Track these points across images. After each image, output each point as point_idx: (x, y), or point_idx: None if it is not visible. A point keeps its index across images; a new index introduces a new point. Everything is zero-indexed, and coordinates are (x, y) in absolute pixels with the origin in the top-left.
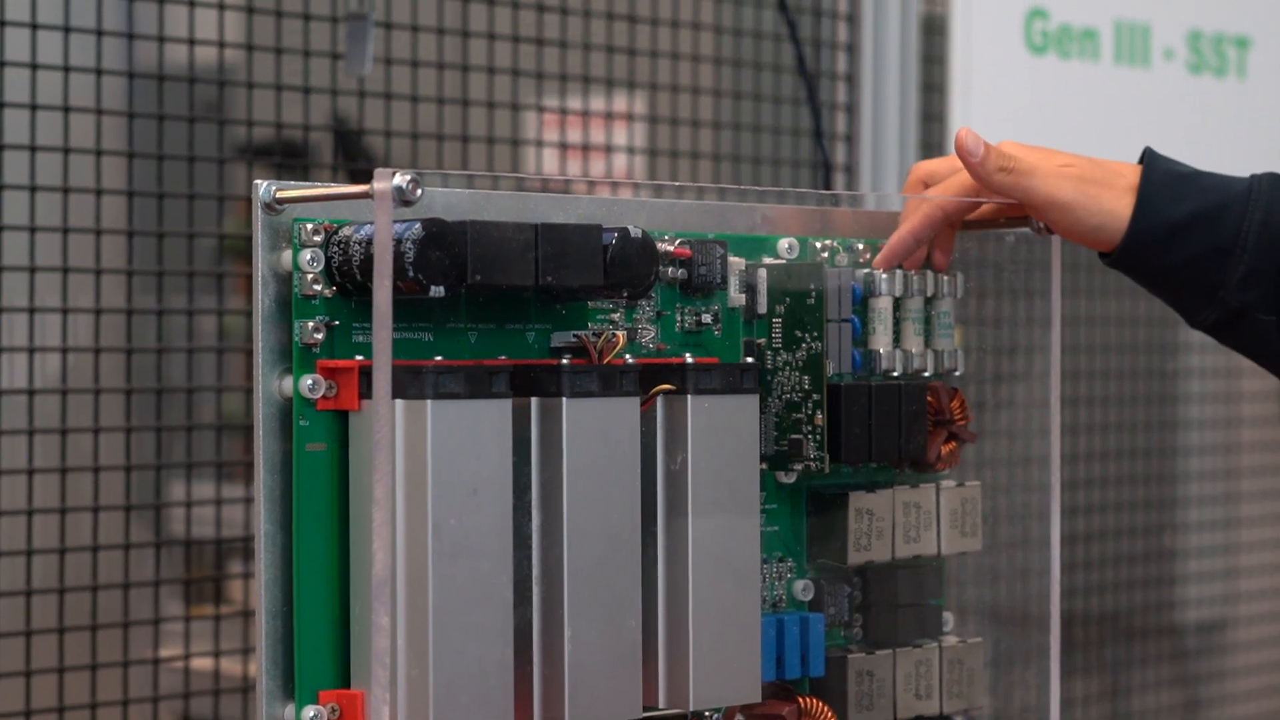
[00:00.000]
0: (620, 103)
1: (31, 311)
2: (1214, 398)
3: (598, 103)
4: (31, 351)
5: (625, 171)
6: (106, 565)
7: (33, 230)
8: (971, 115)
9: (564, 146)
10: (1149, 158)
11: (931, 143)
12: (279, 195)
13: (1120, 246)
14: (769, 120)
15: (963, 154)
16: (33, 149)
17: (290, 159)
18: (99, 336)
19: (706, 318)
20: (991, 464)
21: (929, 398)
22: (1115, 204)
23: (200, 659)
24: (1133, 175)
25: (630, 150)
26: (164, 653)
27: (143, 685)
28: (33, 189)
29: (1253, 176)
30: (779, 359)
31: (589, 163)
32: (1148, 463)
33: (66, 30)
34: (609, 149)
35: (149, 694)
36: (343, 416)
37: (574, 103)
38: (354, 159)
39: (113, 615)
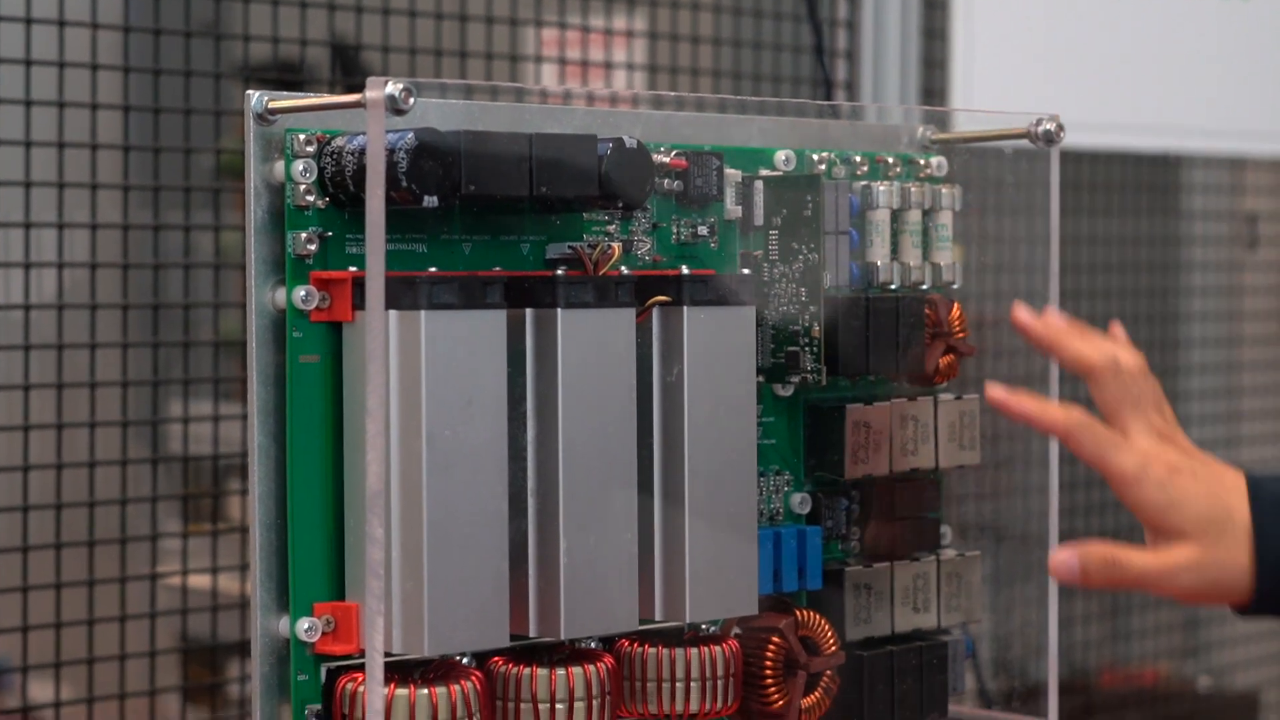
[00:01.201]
0: (620, 20)
1: (27, 227)
2: (1215, 317)
3: (597, 19)
4: (27, 267)
5: (625, 89)
6: (104, 482)
7: (28, 145)
8: (975, 32)
9: (563, 63)
10: (1253, 485)
11: (933, 60)
12: (271, 105)
13: (1255, 596)
14: (770, 37)
15: (1062, 579)
16: (28, 63)
17: (288, 74)
18: (95, 252)
19: (703, 230)
20: (993, 381)
21: (927, 310)
22: (1237, 554)
23: (198, 576)
24: (1241, 505)
25: (630, 67)
26: (161, 570)
27: (140, 602)
28: (28, 104)
29: None
30: (776, 271)
31: (589, 80)
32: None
33: None
34: (608, 65)
35: (146, 610)
36: (336, 328)
37: (573, 19)
38: (352, 75)
39: (110, 532)
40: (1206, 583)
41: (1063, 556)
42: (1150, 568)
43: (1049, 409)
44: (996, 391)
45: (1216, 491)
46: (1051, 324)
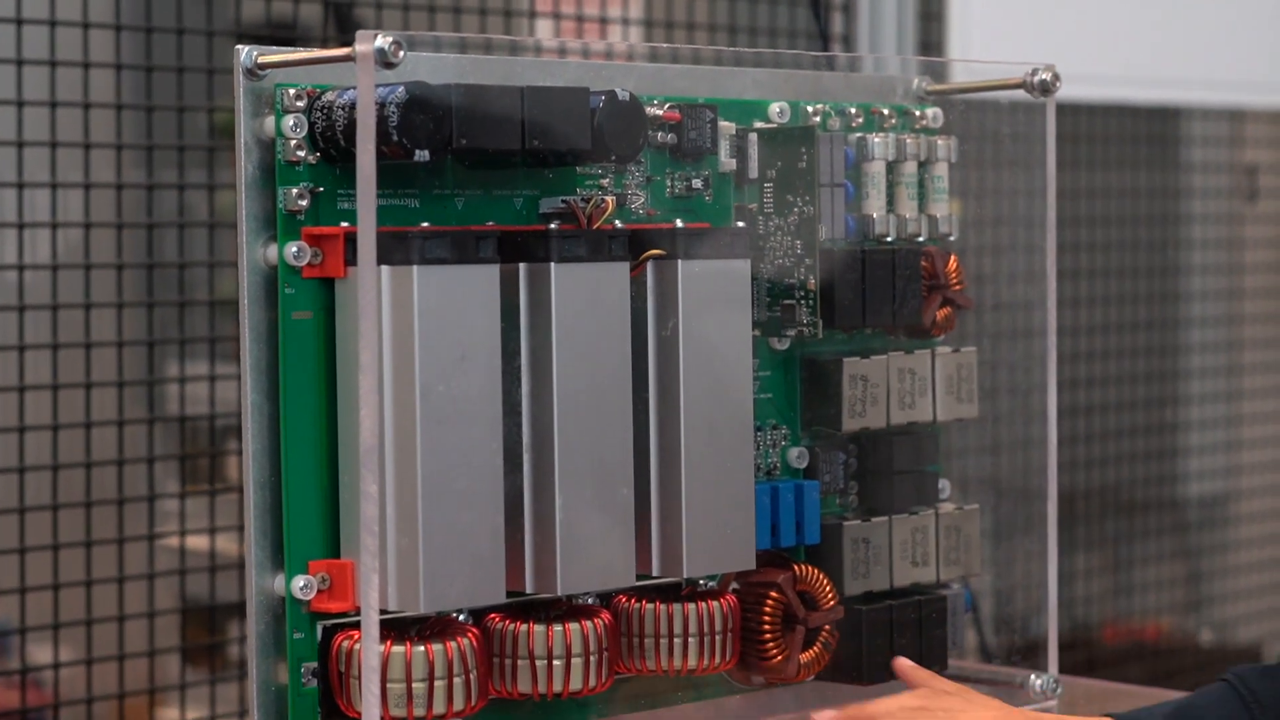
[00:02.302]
0: None
1: (20, 187)
2: (1216, 269)
3: None
4: (21, 227)
5: (622, 48)
6: (100, 442)
7: (20, 105)
8: None
9: (558, 17)
10: None
11: (930, 13)
12: (260, 60)
13: None
14: None
15: None
16: (19, 22)
17: (281, 32)
18: (89, 212)
19: (697, 183)
20: (992, 336)
21: (923, 262)
22: None
23: (196, 537)
24: None
25: (625, 21)
26: (159, 530)
27: (138, 563)
28: (19, 63)
29: (1226, 683)
30: (771, 224)
31: (584, 35)
32: (1149, 335)
33: None
34: (604, 20)
35: (144, 571)
36: (328, 284)
37: None
38: (346, 32)
39: (107, 493)
40: None
41: None
42: None
43: (880, 713)
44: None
45: None
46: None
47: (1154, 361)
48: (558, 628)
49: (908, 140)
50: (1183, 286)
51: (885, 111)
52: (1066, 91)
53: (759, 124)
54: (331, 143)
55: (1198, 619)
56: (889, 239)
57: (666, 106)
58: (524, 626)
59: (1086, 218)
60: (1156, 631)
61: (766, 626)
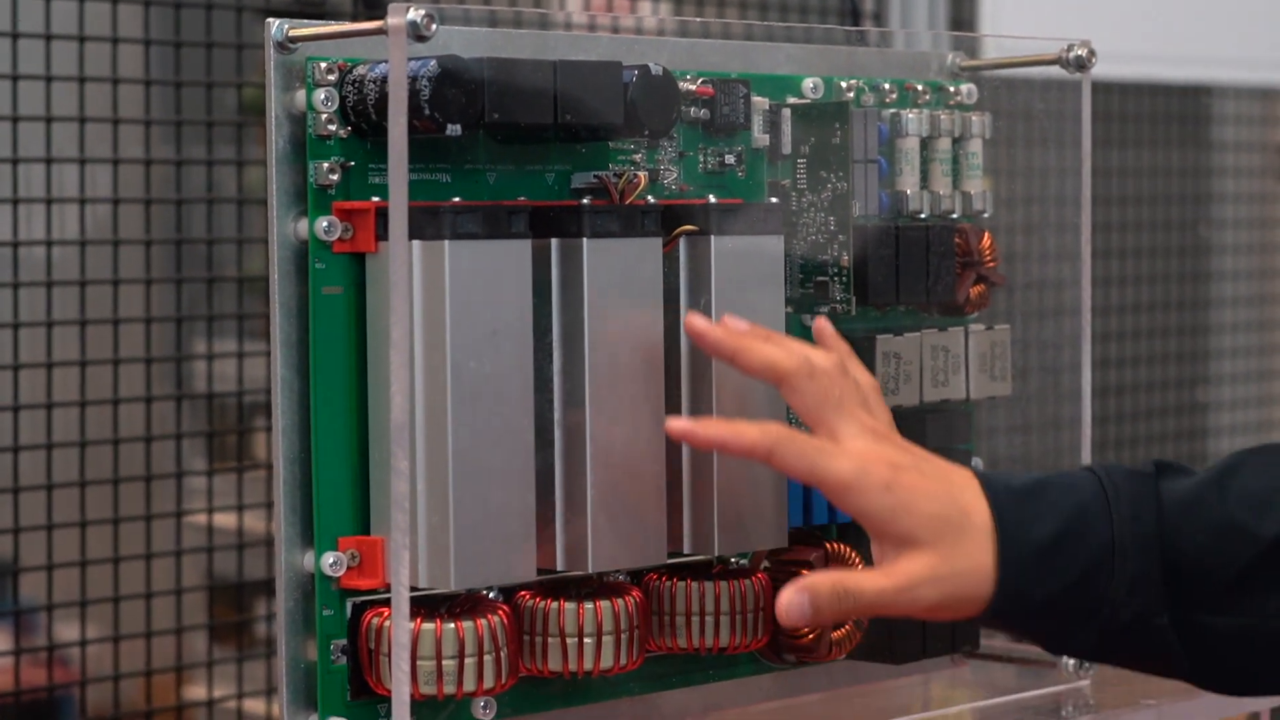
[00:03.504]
0: None
1: (49, 162)
2: (1247, 249)
3: None
4: (49, 202)
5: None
6: (127, 419)
7: (49, 79)
8: None
9: None
10: (985, 481)
11: None
12: (292, 33)
13: (995, 595)
14: None
15: (794, 622)
16: None
17: (310, 7)
18: (117, 187)
19: (730, 158)
20: (1023, 315)
21: (957, 239)
22: (978, 558)
23: (223, 514)
24: (977, 502)
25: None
26: (187, 508)
27: (166, 540)
28: (48, 37)
29: (1095, 471)
30: (804, 200)
31: (615, 10)
32: (1180, 315)
33: None
34: None
35: (172, 549)
36: (359, 259)
37: None
38: (374, 8)
39: (134, 470)
40: (948, 595)
41: (789, 598)
42: (885, 589)
43: (741, 428)
44: (678, 424)
45: (948, 490)
46: (731, 328)
47: (1185, 341)
48: (588, 605)
49: (942, 116)
50: (1214, 266)
51: (919, 87)
52: (1097, 69)
53: (792, 99)
54: (363, 117)
55: None
56: (923, 215)
57: (700, 81)
58: (554, 604)
59: (1118, 197)
60: None
61: None
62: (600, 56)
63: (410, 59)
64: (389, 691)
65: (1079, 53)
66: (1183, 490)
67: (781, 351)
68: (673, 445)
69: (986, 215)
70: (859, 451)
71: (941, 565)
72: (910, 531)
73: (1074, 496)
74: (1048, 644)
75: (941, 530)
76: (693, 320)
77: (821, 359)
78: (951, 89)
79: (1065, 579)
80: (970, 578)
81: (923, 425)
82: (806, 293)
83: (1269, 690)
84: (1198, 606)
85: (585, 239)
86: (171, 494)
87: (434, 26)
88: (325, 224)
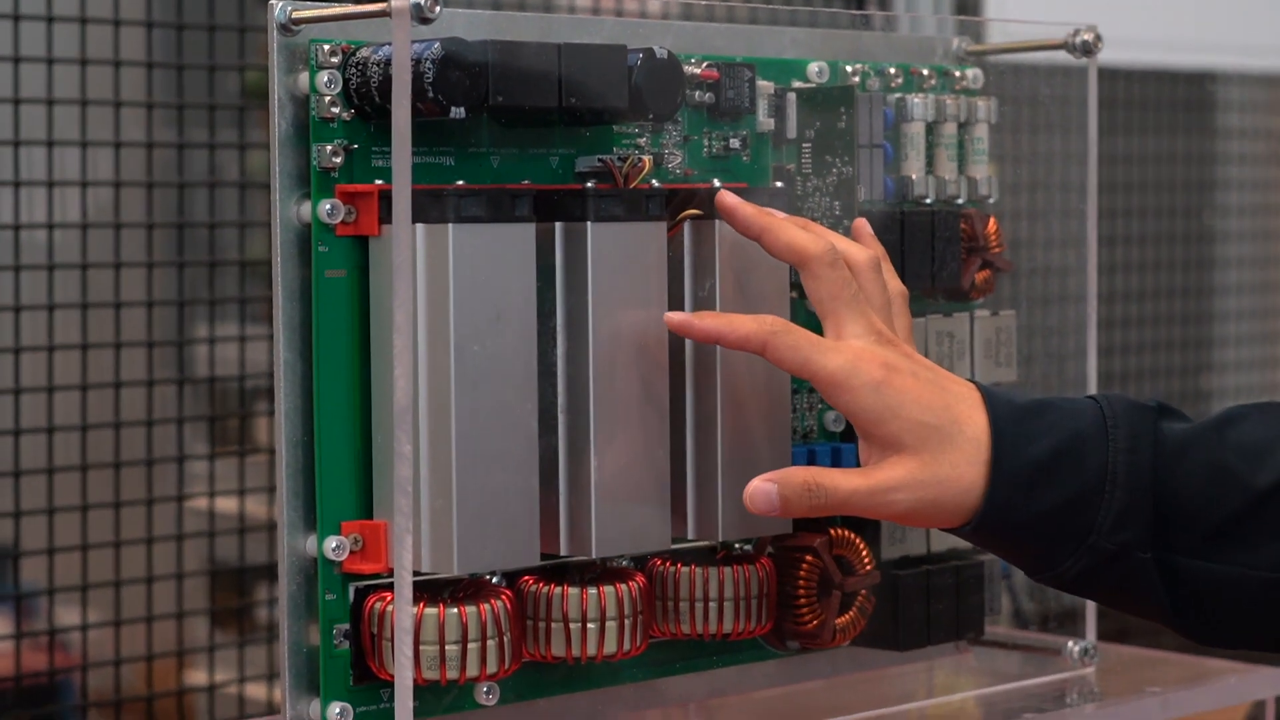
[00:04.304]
0: None
1: (50, 145)
2: (1251, 236)
3: None
4: (50, 185)
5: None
6: (129, 403)
7: (50, 62)
8: None
9: None
10: (987, 395)
11: None
12: (294, 15)
13: (983, 509)
14: None
15: (761, 511)
16: None
17: None
18: (119, 170)
19: (735, 142)
20: (1028, 301)
21: (962, 225)
22: (964, 470)
23: (225, 499)
24: (974, 414)
25: None
26: (188, 492)
27: (167, 525)
28: (49, 19)
29: (1097, 399)
30: (809, 185)
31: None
32: (1185, 302)
33: None
34: None
35: (173, 533)
36: (362, 242)
37: None
38: None
39: (136, 454)
40: (925, 502)
41: (757, 486)
42: (859, 489)
43: (738, 320)
44: (675, 316)
45: (942, 399)
46: (765, 209)
47: (1189, 329)
48: (592, 591)
49: (947, 101)
50: (1218, 253)
51: (925, 72)
52: (1102, 56)
53: (797, 83)
54: (366, 99)
55: None
56: (928, 201)
57: (705, 65)
58: (558, 589)
59: (1123, 183)
60: None
61: (802, 591)
62: (605, 39)
63: (414, 41)
64: (392, 676)
65: (1085, 38)
66: (1181, 431)
67: (808, 236)
68: (677, 430)
69: (992, 201)
70: (855, 349)
71: (922, 472)
72: (896, 435)
73: (1074, 421)
74: (1029, 565)
75: (928, 437)
76: (724, 196)
77: (853, 251)
78: (957, 74)
79: (1055, 500)
80: (952, 487)
81: None
82: None
83: (1244, 642)
84: (1182, 548)
85: (589, 223)
86: (173, 478)
87: (438, 9)
88: (328, 207)
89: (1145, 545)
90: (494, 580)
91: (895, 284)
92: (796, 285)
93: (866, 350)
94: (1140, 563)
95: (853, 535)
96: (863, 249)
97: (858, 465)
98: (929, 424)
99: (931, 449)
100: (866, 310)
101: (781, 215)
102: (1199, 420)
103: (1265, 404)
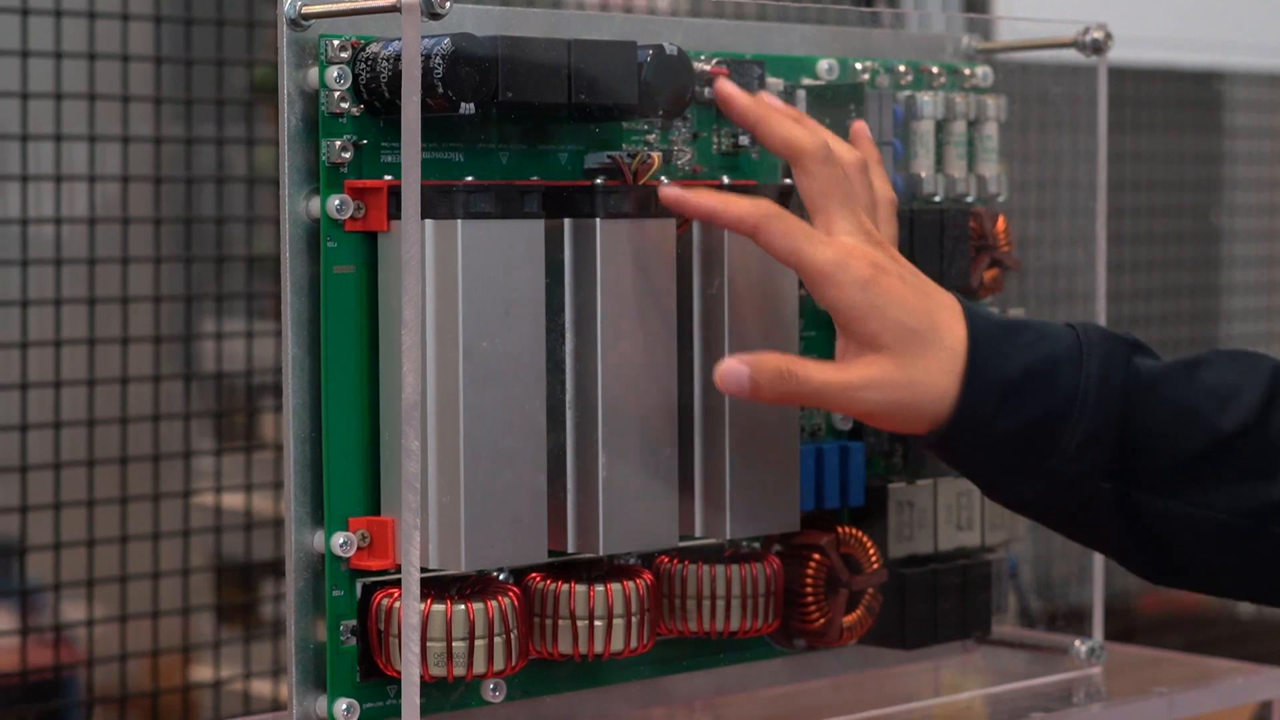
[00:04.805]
0: None
1: (58, 139)
2: (1259, 235)
3: None
4: (58, 180)
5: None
6: (136, 399)
7: (58, 56)
8: None
9: None
10: (968, 308)
11: None
12: (304, 10)
13: (952, 419)
14: None
15: (730, 391)
16: None
17: None
18: (127, 165)
19: (744, 140)
20: (1037, 299)
21: (971, 223)
22: (937, 377)
23: (231, 495)
24: (954, 325)
25: None
26: (194, 488)
27: (173, 520)
28: (58, 14)
29: (1074, 326)
30: None
31: None
32: (1193, 301)
33: None
34: None
35: (179, 529)
36: (371, 238)
37: None
38: None
39: (142, 449)
40: (895, 404)
41: (730, 365)
42: (831, 381)
43: (732, 200)
44: (670, 190)
45: (925, 304)
46: (761, 99)
47: (1196, 327)
48: (599, 588)
49: (957, 99)
50: (1224, 252)
51: (934, 70)
52: (1111, 54)
53: (807, 81)
54: (376, 95)
55: None
56: (937, 199)
57: (714, 62)
58: (565, 586)
59: (1131, 182)
60: (1196, 601)
61: (809, 589)
62: (614, 36)
63: (424, 36)
64: (399, 673)
65: (1095, 36)
66: (1152, 367)
67: (803, 130)
68: (685, 427)
69: (1001, 199)
70: (846, 245)
71: (897, 373)
72: (876, 334)
73: (1050, 343)
74: (987, 483)
75: (907, 339)
76: (722, 84)
77: (844, 150)
78: (967, 72)
79: (1023, 419)
80: (924, 392)
81: None
82: None
83: (1192, 583)
84: (1143, 483)
85: (598, 219)
86: (179, 474)
87: (448, 4)
88: (337, 202)
89: (1106, 475)
90: (501, 577)
91: (886, 190)
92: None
93: (857, 248)
94: (1099, 492)
95: (860, 534)
96: (852, 150)
97: (864, 463)
98: (910, 326)
99: (909, 352)
100: (857, 209)
101: (778, 105)
102: (1170, 360)
103: (1235, 350)
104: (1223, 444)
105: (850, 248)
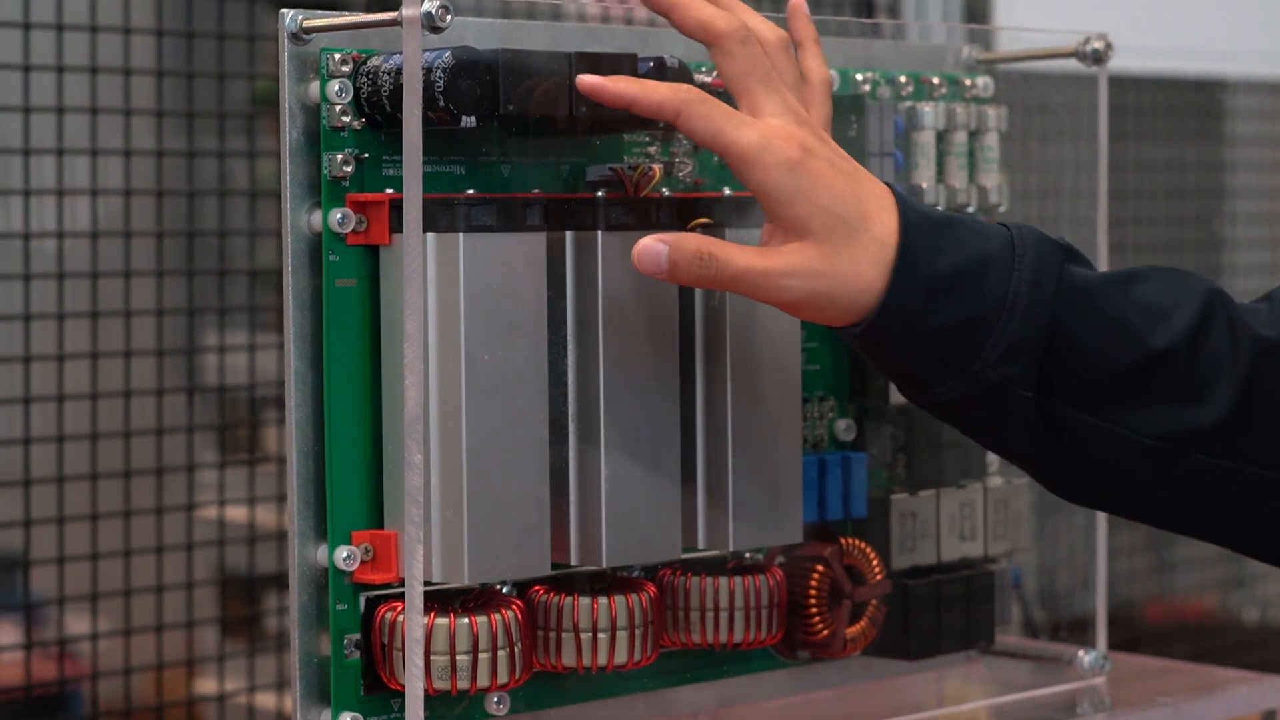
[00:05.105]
0: None
1: (60, 153)
2: (1260, 244)
3: None
4: (60, 194)
5: None
6: (139, 412)
7: (60, 70)
8: None
9: None
10: (900, 200)
11: None
12: (305, 24)
13: (876, 312)
14: None
15: (648, 271)
16: None
17: None
18: (129, 178)
19: None
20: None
21: None
22: (864, 268)
23: (235, 508)
24: (884, 216)
25: None
26: (198, 501)
27: (177, 534)
28: (59, 27)
29: (1010, 227)
30: None
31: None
32: None
33: None
34: None
35: (183, 542)
36: (373, 251)
37: None
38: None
39: (146, 462)
40: (818, 293)
41: (648, 244)
42: (753, 266)
43: (651, 86)
44: (586, 78)
45: (854, 192)
46: None
47: None
48: (602, 600)
49: (958, 109)
50: (1225, 261)
51: (935, 80)
52: (1112, 63)
53: None
54: (377, 108)
55: (1241, 596)
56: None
57: (715, 74)
58: (568, 599)
59: (1133, 191)
60: (1200, 609)
61: (813, 601)
62: (615, 48)
63: (425, 50)
64: (402, 686)
65: (1096, 46)
66: (1086, 277)
67: (718, 11)
68: (688, 440)
69: (1002, 209)
70: (772, 127)
71: (821, 262)
72: (802, 220)
73: (983, 243)
74: (907, 381)
75: (834, 227)
76: None
77: (764, 29)
78: (967, 82)
79: (950, 319)
80: (849, 283)
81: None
82: None
83: (1107, 505)
84: (1066, 395)
85: (600, 232)
86: (182, 487)
87: (449, 18)
88: (339, 216)
89: (1029, 384)
90: (504, 590)
91: (821, 70)
92: None
93: (784, 129)
94: (1020, 401)
95: (863, 545)
96: (774, 29)
97: (867, 474)
98: (837, 214)
99: (835, 241)
100: (782, 89)
101: None
102: (1105, 271)
103: (1170, 268)
104: (1150, 362)
105: (776, 129)
